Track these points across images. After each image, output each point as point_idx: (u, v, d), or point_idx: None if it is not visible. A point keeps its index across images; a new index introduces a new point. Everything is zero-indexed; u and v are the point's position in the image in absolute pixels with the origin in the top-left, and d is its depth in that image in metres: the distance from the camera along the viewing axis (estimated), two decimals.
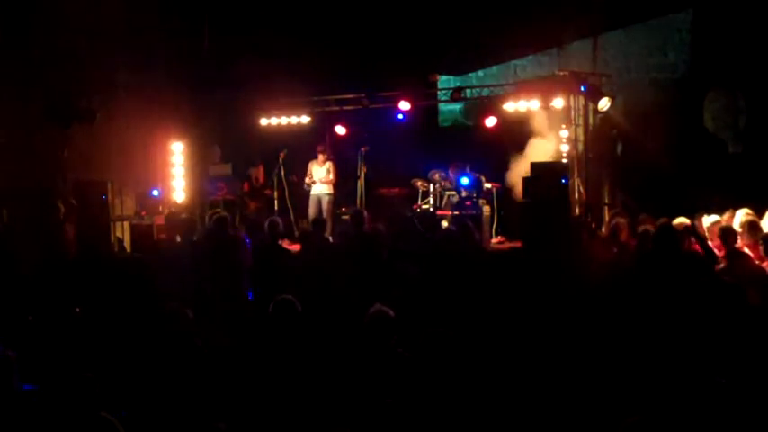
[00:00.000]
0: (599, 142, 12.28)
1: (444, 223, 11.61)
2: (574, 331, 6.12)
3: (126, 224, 11.52)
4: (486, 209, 11.98)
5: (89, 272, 8.16)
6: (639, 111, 12.34)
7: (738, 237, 7.65)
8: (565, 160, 11.81)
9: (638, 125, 12.23)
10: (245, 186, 13.31)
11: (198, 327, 5.55)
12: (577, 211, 11.53)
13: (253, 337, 5.77)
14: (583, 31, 12.64)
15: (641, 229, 8.31)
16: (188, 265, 8.02)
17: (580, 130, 12.19)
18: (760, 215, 8.17)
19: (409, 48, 13.09)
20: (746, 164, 11.70)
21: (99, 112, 11.02)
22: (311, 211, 12.72)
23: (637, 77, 12.94)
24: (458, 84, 14.10)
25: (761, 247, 7.34)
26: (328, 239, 10.52)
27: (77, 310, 6.58)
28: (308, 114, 13.34)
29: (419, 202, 12.78)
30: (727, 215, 8.65)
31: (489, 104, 12.64)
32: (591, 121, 12.13)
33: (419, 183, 12.89)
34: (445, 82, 15.00)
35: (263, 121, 13.50)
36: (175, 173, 12.80)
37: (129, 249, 10.97)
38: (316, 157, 12.83)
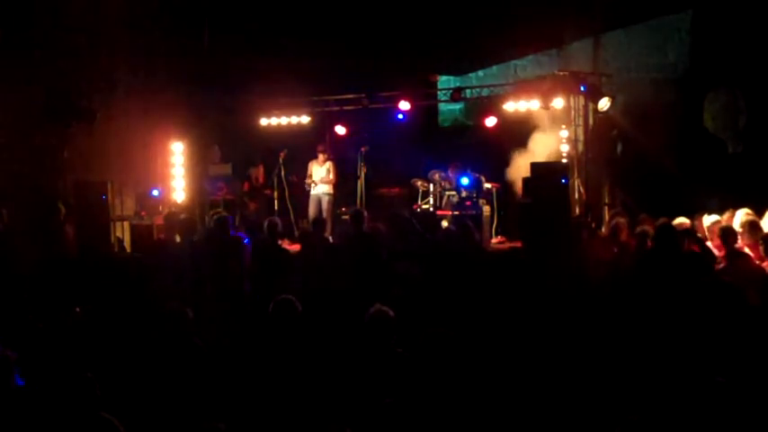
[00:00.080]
0: (599, 142, 12.27)
1: (444, 223, 11.60)
2: (574, 331, 6.12)
3: (126, 224, 11.52)
4: (486, 209, 11.98)
5: (89, 272, 8.17)
6: (639, 111, 12.34)
7: (738, 237, 7.65)
8: (565, 160, 11.80)
9: (638, 125, 12.22)
10: (245, 186, 13.31)
11: (198, 327, 5.56)
12: (577, 211, 11.53)
13: (253, 337, 5.77)
14: (583, 31, 12.64)
15: (639, 229, 8.32)
16: (188, 265, 8.02)
17: (580, 130, 12.18)
18: (760, 215, 8.17)
19: (409, 48, 13.09)
20: (746, 164, 11.69)
21: (99, 112, 11.02)
22: (311, 211, 12.72)
23: (637, 77, 12.93)
24: (458, 84, 14.12)
25: (761, 247, 7.34)
26: (328, 239, 10.52)
27: (77, 310, 6.57)
28: (308, 114, 13.33)
29: (419, 202, 12.78)
30: (727, 215, 8.65)
31: (489, 104, 12.64)
32: (591, 121, 12.12)
33: (419, 183, 12.89)
34: (445, 82, 15.01)
35: (263, 121, 13.49)
36: (175, 173, 12.80)
37: (129, 249, 10.98)
38: (316, 157, 12.83)
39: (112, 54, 11.49)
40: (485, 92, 12.79)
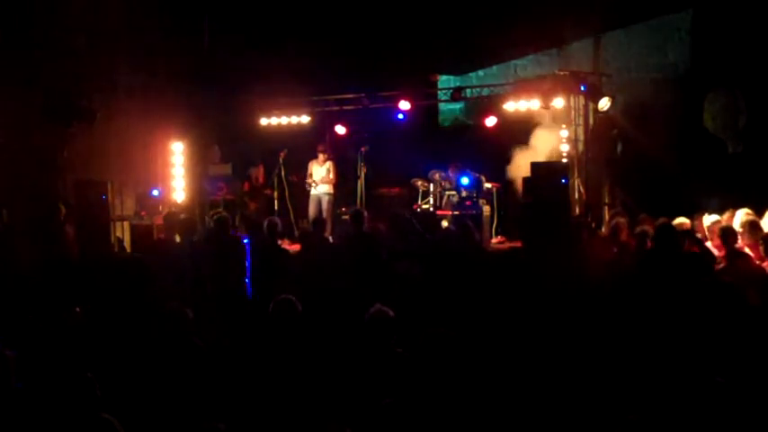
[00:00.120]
0: (599, 142, 12.27)
1: (444, 223, 11.61)
2: (574, 331, 6.12)
3: (126, 224, 11.51)
4: (486, 209, 11.97)
5: (89, 272, 8.17)
6: (639, 111, 12.34)
7: (739, 237, 7.65)
8: (565, 160, 11.81)
9: (638, 125, 12.22)
10: (246, 186, 13.30)
11: (198, 327, 5.55)
12: (577, 211, 11.54)
13: (253, 337, 5.77)
14: (583, 30, 12.64)
15: (639, 229, 8.32)
16: (188, 265, 8.02)
17: (580, 130, 12.19)
18: (760, 215, 8.17)
19: (409, 48, 13.08)
20: (746, 164, 11.69)
21: (99, 112, 11.01)
22: (311, 211, 12.72)
23: (637, 77, 12.93)
24: (458, 84, 14.11)
25: (761, 247, 7.34)
26: (328, 239, 10.52)
27: (77, 309, 6.57)
28: (308, 114, 13.33)
29: (419, 202, 12.78)
30: (727, 215, 8.65)
31: (489, 104, 12.64)
32: (591, 120, 12.13)
33: (419, 183, 12.89)
34: (445, 82, 15.01)
35: (263, 121, 13.49)
36: (175, 173, 12.80)
37: (129, 249, 10.97)
38: (316, 157, 12.83)
39: (112, 54, 11.49)
40: (485, 92, 12.79)
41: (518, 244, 10.36)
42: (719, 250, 7.81)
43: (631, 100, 12.42)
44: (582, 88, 11.69)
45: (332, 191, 12.81)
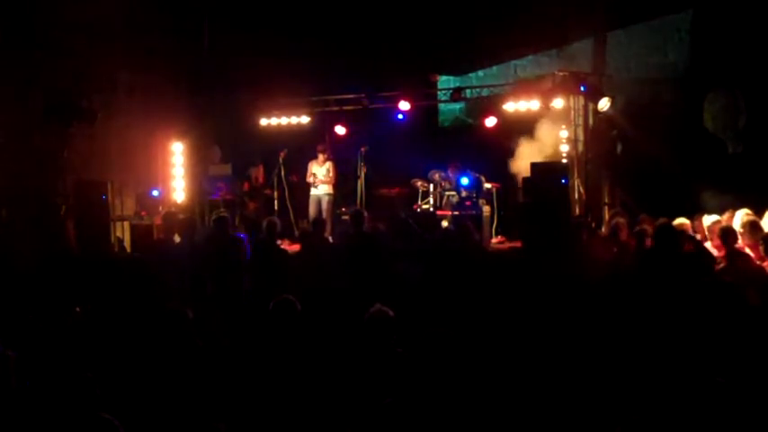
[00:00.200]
0: (599, 142, 12.28)
1: (444, 223, 11.61)
2: (574, 331, 6.11)
3: (126, 224, 11.53)
4: (486, 209, 11.98)
5: (89, 272, 8.17)
6: (639, 111, 12.34)
7: (739, 237, 7.65)
8: (565, 160, 11.81)
9: (638, 125, 12.22)
10: (245, 186, 13.31)
11: (198, 327, 5.55)
12: (577, 211, 11.54)
13: (253, 337, 5.77)
14: (583, 31, 12.64)
15: (638, 228, 8.32)
16: (188, 265, 8.02)
17: (580, 130, 12.19)
18: (760, 215, 8.17)
19: (409, 48, 13.09)
20: (746, 164, 11.69)
21: (99, 112, 11.02)
22: (311, 211, 12.72)
23: (637, 77, 12.94)
24: (458, 84, 14.11)
25: (761, 247, 7.33)
26: (328, 239, 10.53)
27: (77, 309, 6.57)
28: (308, 114, 13.34)
29: (419, 202, 12.78)
30: (727, 215, 8.64)
31: (489, 104, 12.64)
32: (591, 121, 12.13)
33: (419, 183, 12.89)
34: (445, 82, 15.01)
35: (263, 121, 13.50)
36: (175, 173, 12.81)
37: (129, 249, 10.98)
38: (316, 157, 12.83)
39: (112, 54, 11.49)
40: (485, 92, 12.80)
41: (518, 244, 10.37)
42: (719, 250, 7.81)
43: (631, 100, 12.43)
44: (582, 89, 11.70)
45: (332, 191, 12.82)
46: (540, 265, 8.06)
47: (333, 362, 5.05)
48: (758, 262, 7.33)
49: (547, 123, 12.13)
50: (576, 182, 11.80)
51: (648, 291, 6.74)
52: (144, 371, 5.12)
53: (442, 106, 15.06)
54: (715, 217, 8.67)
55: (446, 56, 13.97)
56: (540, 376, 5.11)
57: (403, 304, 5.85)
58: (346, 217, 11.71)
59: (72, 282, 7.74)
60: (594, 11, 12.17)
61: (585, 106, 11.99)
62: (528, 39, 12.68)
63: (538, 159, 11.30)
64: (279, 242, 9.57)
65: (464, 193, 12.12)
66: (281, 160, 13.03)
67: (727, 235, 7.55)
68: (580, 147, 12.17)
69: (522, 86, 12.61)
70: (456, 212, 11.80)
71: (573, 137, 12.27)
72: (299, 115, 13.38)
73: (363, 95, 12.65)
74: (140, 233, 11.14)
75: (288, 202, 13.24)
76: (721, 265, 7.41)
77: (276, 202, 13.20)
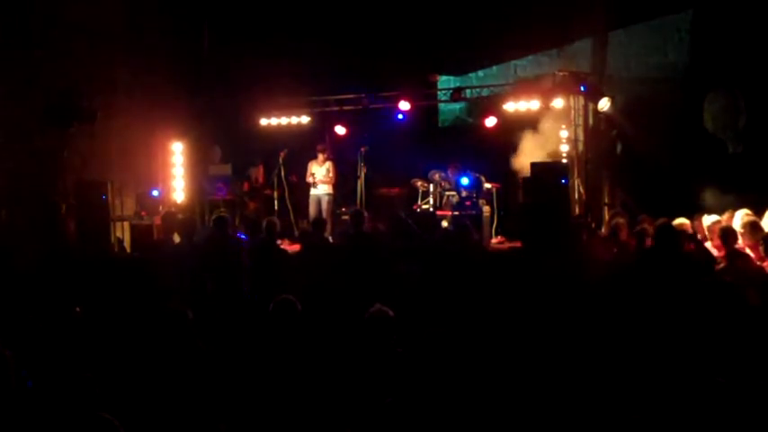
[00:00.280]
0: (599, 142, 12.28)
1: (444, 223, 11.61)
2: (574, 331, 6.11)
3: (126, 224, 11.53)
4: (486, 209, 11.98)
5: (89, 272, 8.17)
6: (639, 111, 12.34)
7: (739, 237, 7.65)
8: (565, 160, 11.81)
9: (638, 125, 12.22)
10: (245, 186, 13.32)
11: (198, 327, 5.55)
12: (577, 211, 11.54)
13: (252, 337, 5.77)
14: (583, 31, 12.65)
15: (638, 228, 8.32)
16: (188, 265, 8.02)
17: (580, 130, 12.20)
18: (760, 215, 8.17)
19: (409, 48, 13.10)
20: (746, 164, 11.69)
21: (99, 112, 11.02)
22: (311, 211, 12.72)
23: (637, 77, 12.94)
24: (458, 84, 14.12)
25: (761, 248, 7.33)
26: (328, 239, 10.52)
27: (77, 309, 6.57)
28: (308, 114, 13.34)
29: (419, 202, 12.78)
30: (727, 215, 8.65)
31: (489, 104, 12.65)
32: (591, 121, 12.13)
33: (419, 183, 12.89)
34: (445, 82, 15.01)
35: (263, 121, 13.49)
36: (175, 173, 12.81)
37: (129, 249, 10.98)
38: (316, 157, 12.83)
39: (112, 54, 11.50)
40: (485, 92, 12.80)
41: (518, 244, 10.37)
42: (719, 250, 7.81)
43: (631, 100, 12.42)
44: (582, 88, 11.71)
45: (332, 191, 12.81)
46: (540, 266, 8.06)
47: (333, 362, 5.05)
48: (758, 262, 7.33)
49: (549, 119, 12.12)
50: (576, 182, 11.81)
51: (648, 291, 6.74)
52: (144, 371, 5.12)
53: (442, 106, 15.06)
54: (715, 217, 8.67)
55: (446, 56, 13.98)
56: (541, 376, 5.11)
57: (403, 304, 5.84)
58: (346, 217, 11.71)
59: (72, 282, 7.74)
60: (595, 11, 12.17)
61: (585, 106, 12.00)
62: (528, 39, 12.67)
63: (541, 154, 11.32)
64: (279, 242, 9.57)
65: (464, 193, 12.11)
66: (281, 160, 13.02)
67: (727, 235, 7.55)
68: (580, 147, 12.17)
69: (522, 86, 12.62)
70: (456, 212, 11.79)
71: (573, 137, 12.28)
72: (298, 115, 13.38)
73: (363, 95, 12.65)
74: (140, 233, 11.14)
75: (288, 203, 13.24)
76: (721, 265, 7.41)
77: (276, 202, 13.20)
